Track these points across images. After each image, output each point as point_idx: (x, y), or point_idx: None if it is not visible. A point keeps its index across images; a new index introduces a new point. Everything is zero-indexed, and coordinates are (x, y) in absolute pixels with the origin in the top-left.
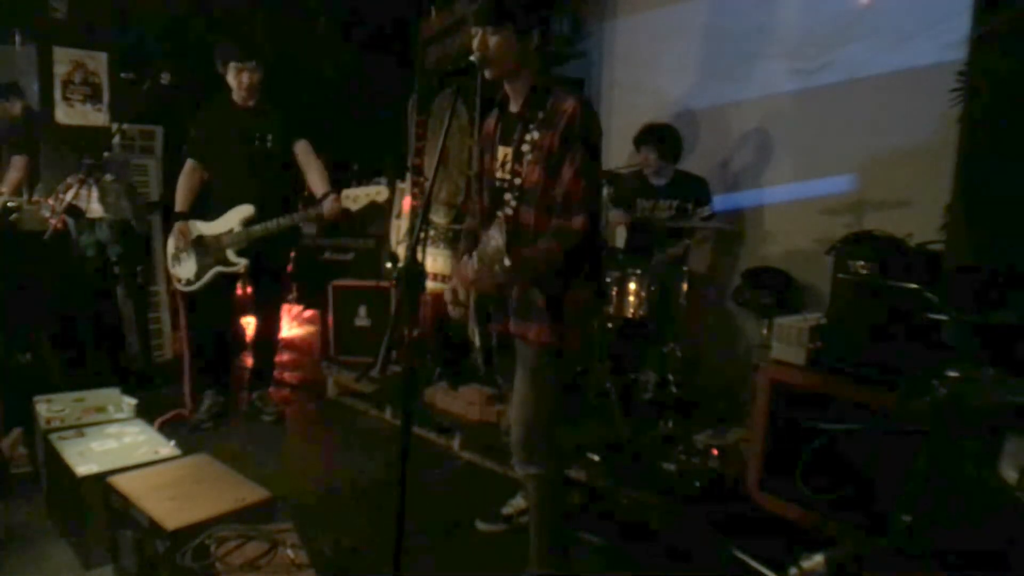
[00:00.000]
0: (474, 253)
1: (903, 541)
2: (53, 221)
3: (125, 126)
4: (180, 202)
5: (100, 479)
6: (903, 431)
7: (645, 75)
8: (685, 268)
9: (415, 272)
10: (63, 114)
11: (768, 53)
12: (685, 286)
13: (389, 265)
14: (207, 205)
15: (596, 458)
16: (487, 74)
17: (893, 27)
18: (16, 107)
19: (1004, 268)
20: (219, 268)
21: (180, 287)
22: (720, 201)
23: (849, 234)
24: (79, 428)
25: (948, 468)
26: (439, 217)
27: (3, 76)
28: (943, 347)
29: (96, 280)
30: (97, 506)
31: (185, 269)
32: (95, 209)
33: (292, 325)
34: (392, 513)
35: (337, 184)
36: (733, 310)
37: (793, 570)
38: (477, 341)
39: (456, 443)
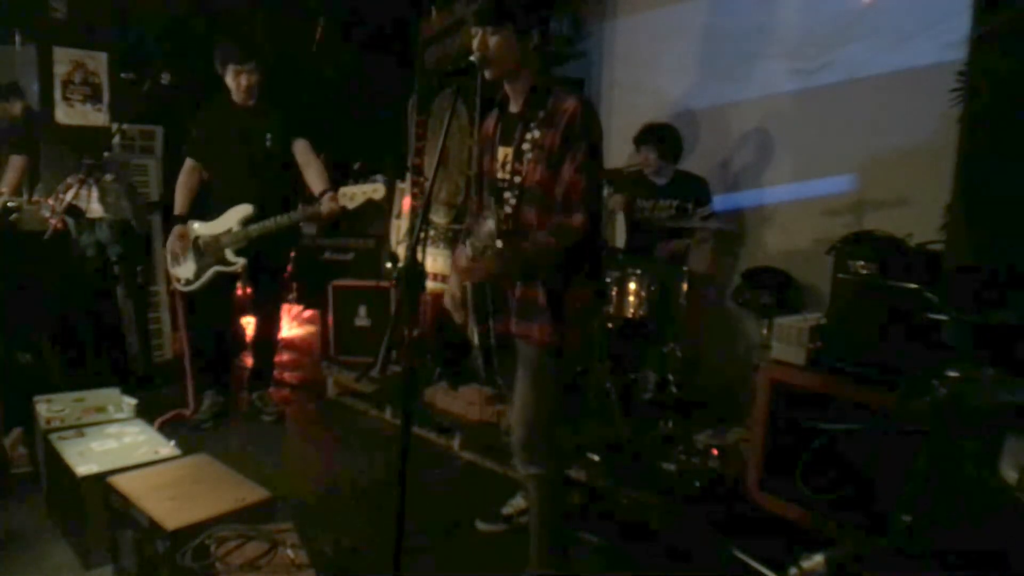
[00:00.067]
0: (468, 241)
1: (903, 541)
2: (53, 221)
3: (125, 126)
4: (179, 204)
5: (100, 479)
6: (903, 431)
7: (645, 75)
8: (685, 268)
9: (415, 272)
10: (63, 114)
11: (768, 53)
12: (685, 286)
13: (389, 265)
14: (206, 205)
15: (596, 458)
16: (487, 74)
17: (893, 27)
18: (16, 107)
19: (1004, 268)
20: (218, 268)
21: (179, 287)
22: (720, 201)
23: (849, 234)
24: (79, 428)
25: (948, 468)
26: (439, 217)
27: (3, 76)
28: (943, 347)
29: (96, 280)
30: (97, 506)
31: (184, 269)
32: (95, 209)
33: (292, 325)
34: (392, 513)
35: (338, 184)
36: (733, 310)
37: (793, 570)
38: (476, 340)
39: (456, 443)
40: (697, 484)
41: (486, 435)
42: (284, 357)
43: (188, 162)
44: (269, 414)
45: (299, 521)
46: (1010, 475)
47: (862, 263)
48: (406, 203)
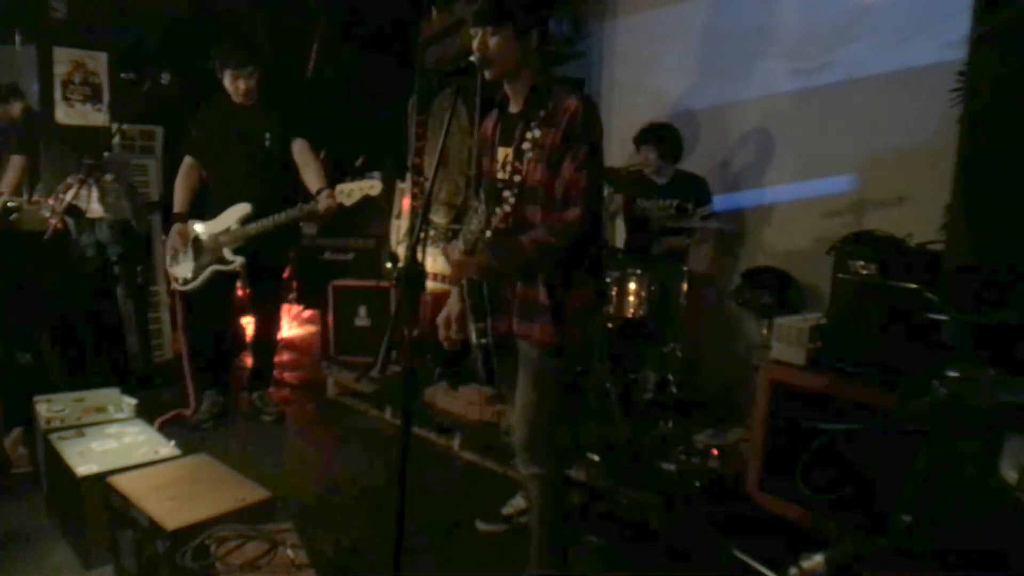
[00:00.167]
0: (460, 234)
1: (903, 541)
2: (53, 221)
3: (125, 126)
4: (178, 203)
5: (100, 479)
6: (903, 431)
7: (645, 75)
8: (685, 268)
9: (415, 272)
10: (63, 114)
11: (768, 53)
12: (685, 286)
13: (389, 265)
14: (205, 204)
15: (596, 458)
16: (487, 74)
17: (893, 27)
18: (16, 107)
19: (1004, 268)
20: (216, 267)
21: (177, 287)
22: (720, 201)
23: (849, 234)
24: (79, 428)
25: (948, 468)
26: (439, 217)
27: (3, 76)
28: (943, 347)
29: (96, 280)
30: (97, 506)
31: (182, 268)
32: (95, 209)
33: (292, 325)
34: (392, 513)
35: (336, 183)
36: (733, 310)
37: (793, 570)
38: (474, 339)
39: (456, 443)
40: (697, 484)
41: (486, 435)
42: (284, 357)
43: (186, 161)
44: (269, 414)
45: (299, 521)
46: (1010, 475)
47: (862, 263)
48: (406, 203)
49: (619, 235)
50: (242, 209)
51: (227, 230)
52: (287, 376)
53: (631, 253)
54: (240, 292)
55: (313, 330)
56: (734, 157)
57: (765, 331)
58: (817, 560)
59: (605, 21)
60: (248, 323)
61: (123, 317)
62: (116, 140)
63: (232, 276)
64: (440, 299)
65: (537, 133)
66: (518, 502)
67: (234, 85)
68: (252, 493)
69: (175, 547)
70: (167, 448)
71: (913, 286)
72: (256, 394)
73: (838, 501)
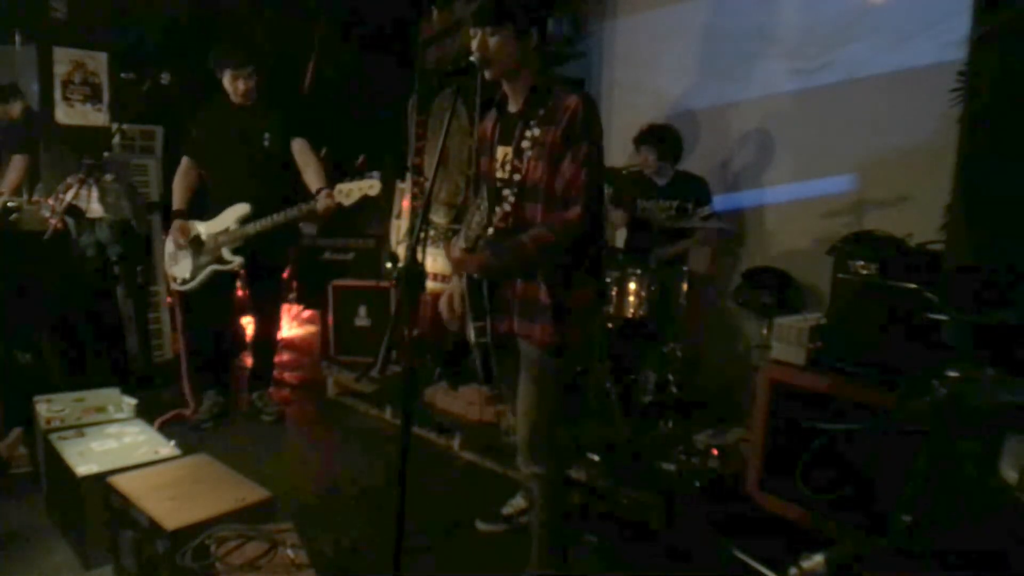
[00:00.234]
0: (462, 231)
1: (903, 541)
2: (53, 221)
3: (125, 126)
4: (178, 200)
5: (100, 479)
6: (903, 431)
7: (645, 75)
8: (685, 268)
9: (415, 272)
10: (63, 114)
11: (768, 53)
12: (685, 286)
13: (389, 265)
14: (205, 204)
15: (596, 458)
16: (487, 74)
17: (893, 27)
18: (16, 107)
19: (1004, 268)
20: (215, 267)
21: (176, 287)
22: (720, 201)
23: (849, 234)
24: (79, 428)
25: (948, 468)
26: (439, 217)
27: (3, 76)
28: (943, 347)
29: (96, 280)
30: (97, 506)
31: (181, 268)
32: (95, 209)
33: (292, 325)
34: (392, 513)
35: (336, 183)
36: (733, 310)
37: (793, 570)
38: (473, 338)
39: (456, 443)
40: (697, 484)
41: (486, 435)
42: (284, 357)
43: (184, 161)
44: (269, 414)
45: (299, 521)
46: (1010, 475)
47: (862, 263)
48: (405, 203)
49: (619, 235)
50: (241, 209)
51: (226, 230)
52: (287, 376)
53: (631, 253)
54: (240, 292)
55: (313, 330)
56: (734, 157)
57: (765, 331)
58: (817, 560)
59: (605, 21)
60: (248, 323)
61: (123, 317)
62: (116, 140)
63: (232, 276)
64: (440, 299)
65: (537, 131)
66: (518, 502)
67: (233, 85)
68: (252, 493)
69: (175, 547)
70: (167, 448)
71: (913, 286)
72: (256, 394)
73: (838, 501)
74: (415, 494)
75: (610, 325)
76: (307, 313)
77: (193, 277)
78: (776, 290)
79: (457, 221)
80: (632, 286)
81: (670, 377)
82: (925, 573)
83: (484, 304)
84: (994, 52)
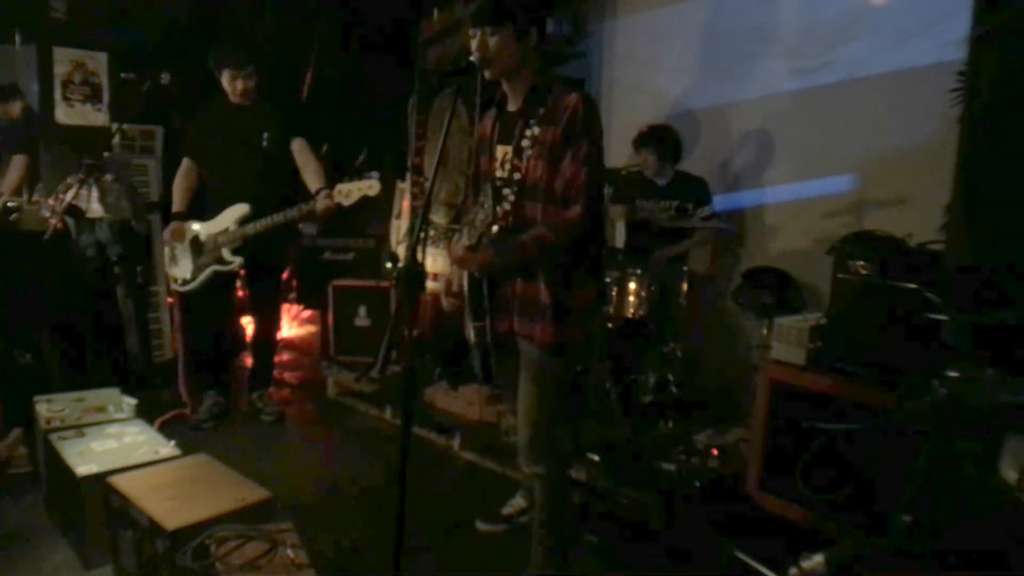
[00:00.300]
0: (464, 228)
1: (903, 541)
2: (53, 221)
3: (125, 126)
4: (177, 202)
5: (100, 479)
6: (903, 431)
7: (645, 75)
8: (685, 268)
9: (415, 272)
10: (63, 114)
11: (768, 53)
12: (685, 286)
13: (389, 265)
14: (204, 205)
15: (596, 458)
16: (487, 74)
17: (893, 27)
18: (16, 107)
19: (1004, 268)
20: (215, 267)
21: (176, 287)
22: (720, 201)
23: (849, 234)
24: (79, 428)
25: (948, 468)
26: (439, 217)
27: (3, 76)
28: (943, 347)
29: (96, 280)
30: (97, 506)
31: (181, 269)
32: (95, 209)
33: (292, 325)
34: (392, 513)
35: (336, 183)
36: (733, 310)
37: (793, 570)
38: (472, 338)
39: (456, 443)
40: (697, 484)
41: (486, 435)
42: (284, 357)
43: (185, 162)
44: (269, 414)
45: (299, 521)
46: (1010, 475)
47: (862, 263)
48: (405, 203)
49: (619, 235)
50: (240, 210)
51: (225, 230)
52: (287, 376)
53: (631, 253)
54: (240, 292)
55: (313, 330)
56: (734, 157)
57: (765, 331)
58: (817, 560)
59: (605, 21)
60: (248, 323)
61: (123, 317)
62: (116, 140)
63: (231, 276)
64: (440, 299)
65: (537, 130)
66: (518, 502)
67: (232, 85)
68: (252, 493)
69: (175, 547)
70: (167, 448)
71: (913, 286)
72: (256, 394)
73: (838, 501)
74: (415, 494)
75: (610, 325)
76: (307, 313)
77: (194, 278)
78: (776, 290)
79: (457, 221)
80: (632, 286)
81: (670, 377)
82: (925, 573)
83: (484, 304)
84: (994, 52)
